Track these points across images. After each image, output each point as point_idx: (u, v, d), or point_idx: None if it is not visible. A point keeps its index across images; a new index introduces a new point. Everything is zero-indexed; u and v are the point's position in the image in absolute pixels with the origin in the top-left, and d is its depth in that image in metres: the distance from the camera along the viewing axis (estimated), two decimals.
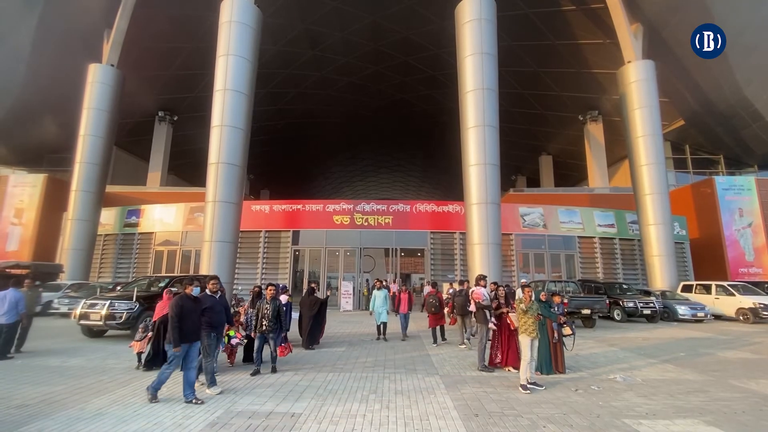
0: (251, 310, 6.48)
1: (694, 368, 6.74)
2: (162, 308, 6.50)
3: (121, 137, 23.55)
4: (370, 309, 9.80)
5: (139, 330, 6.60)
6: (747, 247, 20.62)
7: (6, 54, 18.51)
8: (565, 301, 11.42)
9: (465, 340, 8.83)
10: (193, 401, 4.66)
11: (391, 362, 7.06)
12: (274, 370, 6.18)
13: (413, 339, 9.70)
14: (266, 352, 6.38)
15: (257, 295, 6.82)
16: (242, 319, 6.90)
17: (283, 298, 7.04)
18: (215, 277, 5.50)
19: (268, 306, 6.23)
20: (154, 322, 6.41)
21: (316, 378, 5.91)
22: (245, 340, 6.83)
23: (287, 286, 14.73)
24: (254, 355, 6.32)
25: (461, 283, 9.63)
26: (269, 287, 6.40)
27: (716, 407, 4.73)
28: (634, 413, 4.50)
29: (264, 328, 6.14)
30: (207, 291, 5.35)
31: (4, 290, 7.31)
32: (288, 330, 6.54)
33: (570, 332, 6.23)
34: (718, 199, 21.10)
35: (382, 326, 9.65)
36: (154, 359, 6.32)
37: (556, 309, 6.37)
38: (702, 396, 5.18)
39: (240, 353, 7.04)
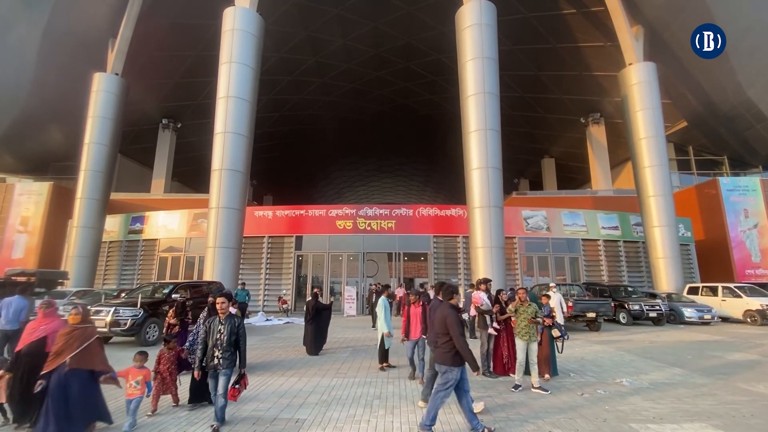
0: (201, 327, 4.52)
1: (702, 371, 6.67)
2: (31, 332, 4.13)
3: (125, 145, 23.76)
4: (383, 327, 6.69)
5: None
6: (753, 249, 20.41)
7: (12, 64, 18.78)
8: (570, 304, 11.44)
9: None
10: (484, 431, 3.93)
11: (395, 368, 7.02)
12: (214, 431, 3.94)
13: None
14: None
15: (212, 309, 4.82)
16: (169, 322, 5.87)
17: (232, 310, 4.65)
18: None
19: (222, 327, 4.09)
20: (17, 352, 4.09)
21: (320, 384, 5.89)
22: None
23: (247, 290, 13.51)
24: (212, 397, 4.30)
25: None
26: (219, 298, 4.24)
27: (724, 411, 4.68)
28: (642, 417, 4.46)
29: (217, 361, 4.03)
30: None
31: (9, 297, 7.33)
32: (244, 366, 4.26)
33: (558, 334, 6.08)
34: (723, 201, 20.91)
35: (386, 351, 6.93)
36: (26, 408, 3.93)
37: (542, 311, 6.20)
38: (710, 399, 5.13)
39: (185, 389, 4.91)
